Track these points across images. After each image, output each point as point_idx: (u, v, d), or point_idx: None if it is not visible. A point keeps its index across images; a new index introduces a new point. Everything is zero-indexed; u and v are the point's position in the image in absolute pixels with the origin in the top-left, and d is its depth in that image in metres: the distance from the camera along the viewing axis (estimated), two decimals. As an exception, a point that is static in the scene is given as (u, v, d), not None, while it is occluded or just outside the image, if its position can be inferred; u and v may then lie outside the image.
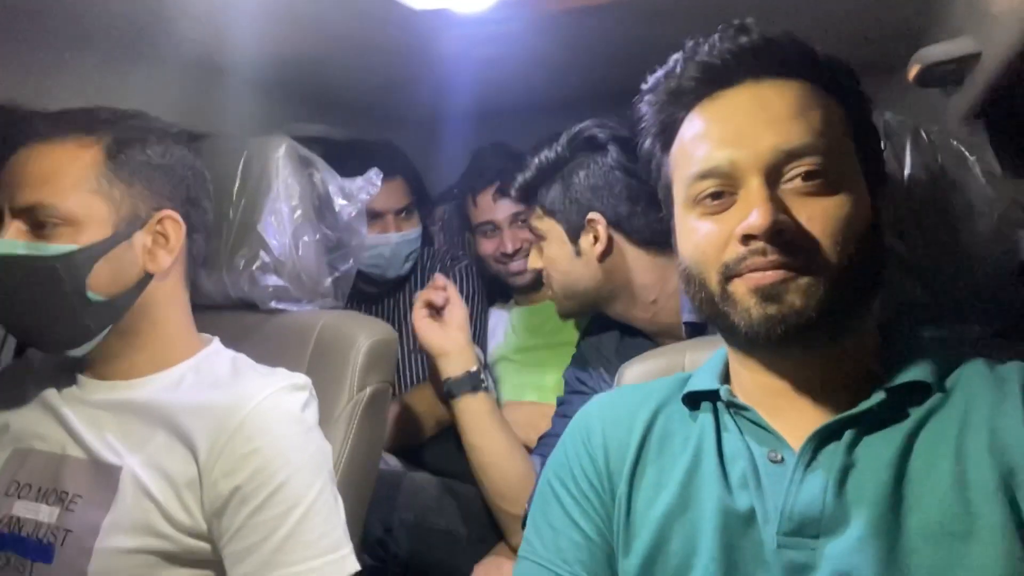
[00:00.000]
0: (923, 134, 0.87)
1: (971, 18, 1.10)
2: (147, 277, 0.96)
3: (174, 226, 0.98)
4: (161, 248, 0.97)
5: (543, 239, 1.28)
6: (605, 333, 1.35)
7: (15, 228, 0.90)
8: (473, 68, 1.48)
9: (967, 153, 0.86)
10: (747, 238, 0.67)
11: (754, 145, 0.68)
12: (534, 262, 1.32)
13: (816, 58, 0.73)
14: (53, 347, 0.95)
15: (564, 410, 1.31)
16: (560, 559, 0.77)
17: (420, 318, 1.35)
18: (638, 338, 1.29)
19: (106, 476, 0.91)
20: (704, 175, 0.70)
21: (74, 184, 0.91)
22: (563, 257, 1.25)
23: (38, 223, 0.90)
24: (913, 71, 1.24)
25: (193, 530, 0.89)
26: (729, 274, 0.69)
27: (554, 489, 0.80)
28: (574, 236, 1.24)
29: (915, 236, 0.85)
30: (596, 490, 0.77)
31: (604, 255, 1.21)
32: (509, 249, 1.71)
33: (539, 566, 0.78)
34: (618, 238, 1.22)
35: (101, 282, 0.92)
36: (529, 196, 1.29)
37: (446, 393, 1.30)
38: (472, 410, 1.27)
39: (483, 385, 1.29)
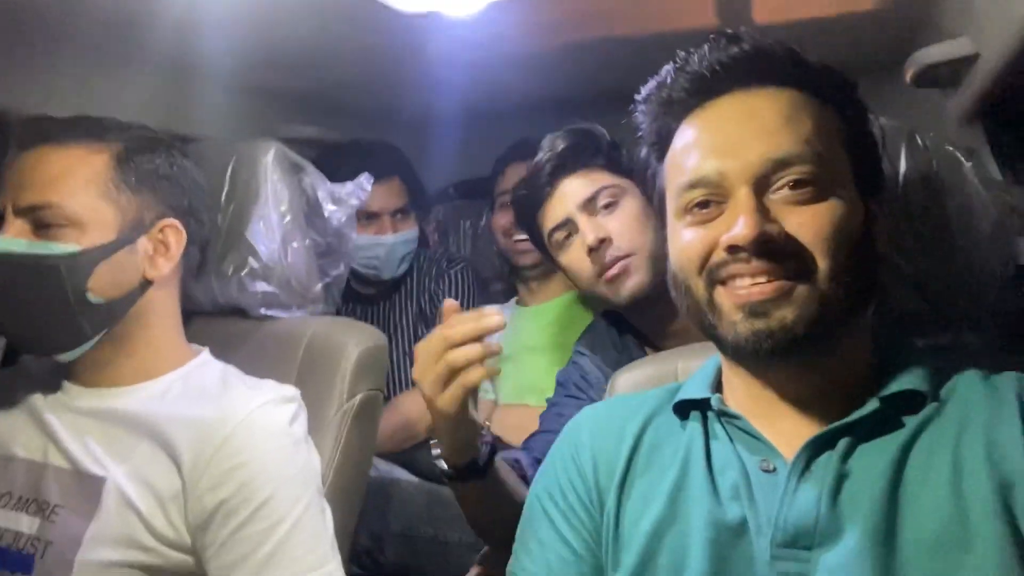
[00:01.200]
0: (918, 139, 0.86)
1: (968, 19, 1.09)
2: (145, 283, 0.96)
3: (175, 234, 0.98)
4: (161, 256, 0.97)
5: (617, 200, 1.19)
6: (599, 348, 1.29)
7: (17, 227, 0.90)
8: (463, 69, 1.47)
9: (963, 158, 0.85)
10: (732, 248, 0.66)
11: (743, 155, 0.68)
12: (600, 229, 1.18)
13: (808, 66, 0.72)
14: (46, 349, 0.94)
15: (557, 409, 1.25)
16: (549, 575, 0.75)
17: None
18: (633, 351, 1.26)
19: (89, 487, 0.90)
20: (693, 185, 0.70)
21: (83, 187, 0.91)
22: (648, 212, 1.17)
23: (42, 223, 0.90)
24: (910, 72, 1.23)
25: (177, 543, 0.88)
26: (713, 279, 0.69)
27: (543, 505, 0.79)
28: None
29: (910, 243, 0.84)
30: (585, 505, 0.76)
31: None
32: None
33: None
34: None
35: (101, 285, 0.91)
36: (607, 158, 1.21)
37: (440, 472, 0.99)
38: (467, 499, 1.00)
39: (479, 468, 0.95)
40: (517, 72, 1.53)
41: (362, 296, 1.74)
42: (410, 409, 1.56)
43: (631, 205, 1.20)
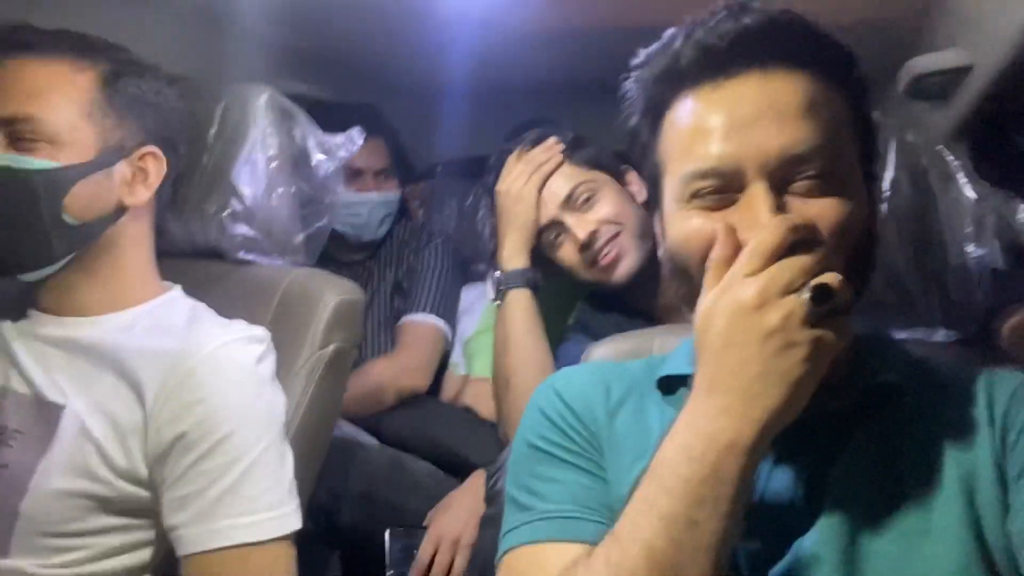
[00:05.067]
0: (908, 136, 0.87)
1: (964, 30, 1.11)
2: (120, 210, 0.94)
3: (156, 163, 0.96)
4: (140, 183, 0.95)
5: (595, 193, 1.28)
6: (593, 329, 1.32)
7: None
8: (472, 37, 1.45)
9: (952, 158, 0.86)
10: None
11: (760, 145, 0.64)
12: (588, 224, 1.26)
13: (822, 42, 0.69)
14: (10, 267, 0.91)
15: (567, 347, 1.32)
16: (578, 505, 0.70)
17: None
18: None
19: (47, 414, 0.88)
20: (703, 175, 0.66)
21: (66, 104, 0.89)
22: (625, 198, 1.29)
23: (18, 137, 0.87)
24: (903, 82, 1.24)
25: (131, 475, 0.87)
26: None
27: (538, 447, 0.75)
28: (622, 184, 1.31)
29: (891, 237, 0.85)
30: (588, 440, 0.74)
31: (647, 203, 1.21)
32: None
33: (555, 520, 0.69)
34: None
35: (76, 205, 0.89)
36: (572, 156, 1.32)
37: (498, 289, 1.30)
38: (519, 304, 1.28)
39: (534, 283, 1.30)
40: (528, 43, 1.51)
41: (340, 263, 1.72)
42: (381, 375, 1.55)
43: (609, 193, 1.28)
